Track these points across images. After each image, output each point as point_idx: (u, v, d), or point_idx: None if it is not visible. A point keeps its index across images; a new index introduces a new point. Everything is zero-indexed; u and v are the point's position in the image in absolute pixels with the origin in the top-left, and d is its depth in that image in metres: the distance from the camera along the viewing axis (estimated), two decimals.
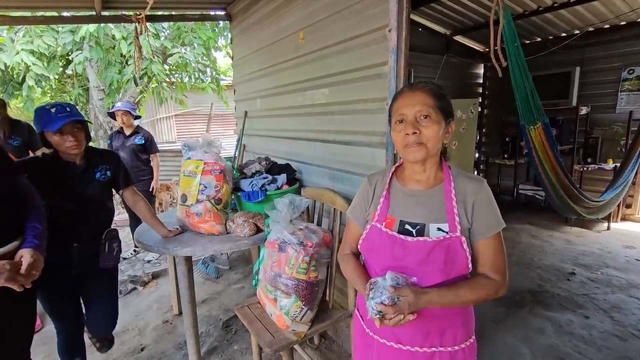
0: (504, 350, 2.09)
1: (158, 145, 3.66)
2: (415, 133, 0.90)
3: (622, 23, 4.08)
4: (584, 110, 4.18)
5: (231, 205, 2.12)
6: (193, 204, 1.87)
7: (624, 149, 4.12)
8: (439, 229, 0.92)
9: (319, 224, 1.93)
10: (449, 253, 0.89)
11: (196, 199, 1.86)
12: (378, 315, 0.83)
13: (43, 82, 5.61)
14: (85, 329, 1.84)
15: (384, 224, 0.98)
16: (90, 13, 3.01)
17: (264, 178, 2.18)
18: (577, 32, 4.30)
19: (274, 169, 2.36)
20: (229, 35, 4.01)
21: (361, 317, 1.10)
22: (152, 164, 3.55)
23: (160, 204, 4.89)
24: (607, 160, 4.26)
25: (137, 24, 3.09)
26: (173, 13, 3.65)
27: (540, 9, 3.75)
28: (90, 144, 1.69)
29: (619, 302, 2.56)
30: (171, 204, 5.00)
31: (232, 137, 5.76)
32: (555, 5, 3.64)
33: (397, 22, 1.57)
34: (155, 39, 5.38)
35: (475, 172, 5.40)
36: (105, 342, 1.92)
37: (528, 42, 4.83)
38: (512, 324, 2.33)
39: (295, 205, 1.55)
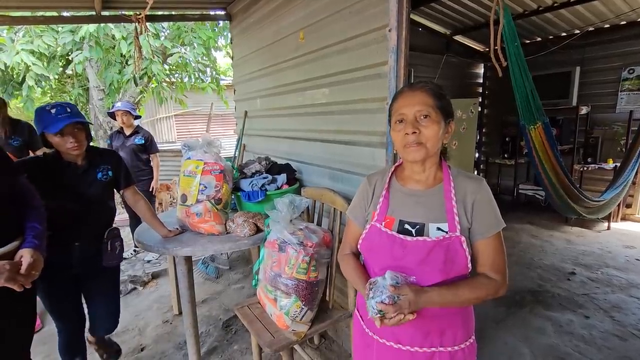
0: (504, 350, 2.09)
1: (158, 145, 3.66)
2: (414, 133, 0.90)
3: (623, 23, 4.07)
4: (584, 110, 4.18)
5: (231, 205, 2.12)
6: (193, 204, 1.87)
7: (624, 149, 4.12)
8: (439, 229, 0.91)
9: (319, 224, 1.93)
10: (448, 253, 0.89)
11: (196, 199, 1.86)
12: (378, 315, 0.83)
13: (43, 82, 5.62)
14: (89, 332, 1.85)
15: (383, 223, 0.98)
16: (90, 13, 3.01)
17: (264, 178, 2.18)
18: (577, 31, 4.30)
19: (274, 168, 2.36)
20: (229, 35, 4.01)
21: (361, 317, 1.10)
22: (152, 164, 3.55)
23: (160, 204, 4.89)
24: (607, 160, 4.26)
25: (137, 23, 3.09)
26: (173, 13, 3.65)
27: (541, 8, 3.74)
28: (91, 143, 1.69)
29: (619, 301, 2.56)
30: (171, 204, 5.01)
31: (232, 137, 5.76)
32: (556, 5, 3.64)
33: (397, 22, 1.57)
34: (155, 38, 5.39)
35: (476, 172, 5.40)
36: (113, 353, 1.94)
37: (528, 41, 4.82)
38: (512, 324, 2.33)
39: (295, 205, 1.55)
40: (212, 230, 1.87)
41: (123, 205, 3.49)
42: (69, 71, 5.83)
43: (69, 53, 5.16)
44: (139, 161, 3.43)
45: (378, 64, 1.74)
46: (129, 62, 5.42)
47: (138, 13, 3.05)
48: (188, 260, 1.84)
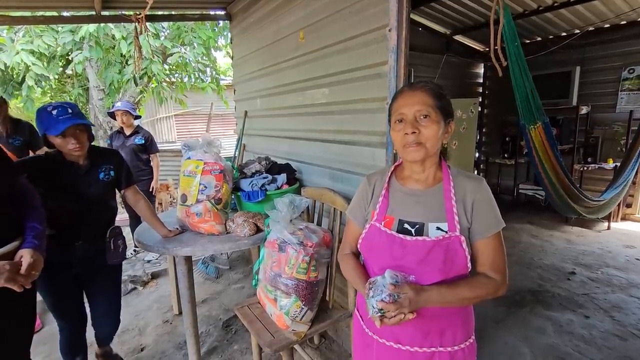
0: (504, 349, 2.09)
1: (158, 145, 3.66)
2: (414, 133, 0.90)
3: (623, 22, 4.07)
4: (584, 110, 4.17)
5: (231, 205, 2.12)
6: (193, 203, 1.87)
7: (624, 149, 4.12)
8: (438, 229, 0.91)
9: (319, 223, 1.93)
10: (448, 252, 0.89)
11: (196, 199, 1.86)
12: (379, 314, 0.83)
13: (43, 82, 5.62)
14: (95, 340, 1.87)
15: (382, 223, 0.98)
16: (90, 13, 3.01)
17: (264, 178, 2.18)
18: (578, 31, 4.30)
19: (274, 168, 2.35)
20: (229, 34, 4.01)
21: (361, 317, 1.10)
22: (152, 164, 3.55)
23: (160, 203, 4.89)
24: (607, 159, 4.25)
25: (136, 23, 3.09)
26: (173, 13, 3.65)
27: (541, 8, 3.74)
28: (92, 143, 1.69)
29: (619, 301, 2.56)
30: (171, 204, 5.01)
31: (232, 137, 5.76)
32: (556, 4, 3.63)
33: (397, 22, 1.57)
34: (155, 38, 5.39)
35: (476, 172, 5.40)
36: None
37: (528, 41, 4.82)
38: (513, 324, 2.33)
39: (295, 205, 1.55)
40: (212, 230, 1.87)
41: (123, 205, 3.50)
42: (69, 71, 5.83)
43: (69, 53, 5.16)
44: (139, 161, 3.43)
45: (378, 63, 1.74)
46: (129, 62, 5.43)
47: (138, 13, 3.05)
48: (188, 260, 1.85)
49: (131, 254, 3.74)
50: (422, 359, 0.96)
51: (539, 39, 4.77)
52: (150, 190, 3.52)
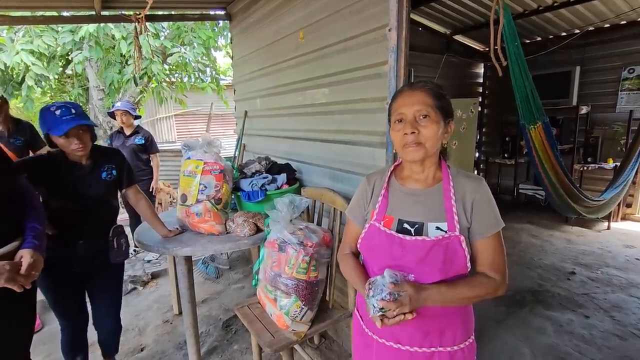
0: (504, 349, 2.09)
1: (158, 145, 3.66)
2: (414, 133, 0.90)
3: (623, 22, 4.07)
4: (584, 110, 4.17)
5: (231, 205, 2.12)
6: (193, 203, 1.87)
7: (624, 149, 4.12)
8: (438, 228, 0.91)
9: (319, 223, 1.93)
10: (447, 252, 0.89)
11: (196, 199, 1.86)
12: (379, 313, 0.83)
13: (43, 82, 5.62)
14: (99, 348, 1.87)
15: (382, 222, 0.98)
16: (90, 13, 3.01)
17: (264, 178, 2.18)
18: (578, 31, 4.30)
19: (273, 168, 2.35)
20: (229, 34, 4.01)
21: (361, 317, 1.10)
22: (152, 164, 3.55)
23: (160, 203, 4.89)
24: (607, 159, 4.25)
25: (136, 23, 3.09)
26: (173, 13, 3.65)
27: (541, 8, 3.74)
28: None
29: (619, 301, 2.56)
30: (171, 204, 5.01)
31: (232, 137, 5.77)
32: (556, 4, 3.63)
33: (397, 22, 1.57)
34: (155, 38, 5.39)
35: (475, 172, 5.40)
36: None
37: (528, 41, 4.82)
38: (513, 324, 2.33)
39: (295, 205, 1.55)
40: (212, 230, 1.87)
41: (123, 205, 3.50)
42: (68, 71, 5.83)
43: (69, 53, 5.16)
44: (139, 161, 3.43)
45: (378, 63, 1.74)
46: (128, 62, 5.43)
47: (138, 13, 3.05)
48: (188, 260, 1.85)
49: (131, 253, 3.74)
50: (422, 359, 0.96)
51: (539, 39, 4.77)
52: (150, 190, 3.52)
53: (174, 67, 6.12)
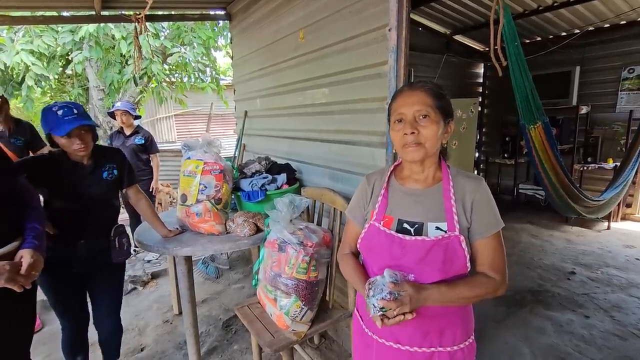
0: (504, 349, 2.09)
1: (158, 145, 3.66)
2: (413, 133, 0.90)
3: (622, 22, 4.07)
4: (584, 110, 4.17)
5: (231, 205, 2.12)
6: (193, 203, 1.87)
7: (624, 149, 4.12)
8: (438, 228, 0.91)
9: (319, 223, 1.93)
10: (447, 252, 0.89)
11: (196, 199, 1.86)
12: (380, 313, 0.83)
13: (43, 82, 5.62)
14: (100, 348, 1.87)
15: (382, 222, 0.98)
16: (90, 13, 3.01)
17: (264, 178, 2.18)
18: (577, 31, 4.30)
19: (273, 168, 2.36)
20: (229, 34, 4.01)
21: (360, 317, 1.10)
22: (152, 164, 3.55)
23: (160, 203, 4.89)
24: (607, 159, 4.25)
25: (136, 23, 3.09)
26: (173, 13, 3.65)
27: (541, 8, 3.74)
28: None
29: (619, 301, 2.56)
30: (171, 204, 5.01)
31: (232, 137, 5.77)
32: (556, 4, 3.63)
33: (397, 22, 1.57)
34: (155, 38, 5.39)
35: (475, 172, 5.40)
36: None
37: (528, 41, 4.82)
38: (513, 324, 2.33)
39: (295, 205, 1.55)
40: (212, 230, 1.87)
41: (123, 205, 3.50)
42: (68, 71, 5.83)
43: (69, 53, 5.16)
44: (139, 161, 3.43)
45: (378, 63, 1.74)
46: (128, 62, 5.43)
47: (138, 13, 3.05)
48: (188, 260, 1.85)
49: (131, 253, 3.74)
50: (422, 359, 0.96)
51: (539, 39, 4.77)
52: (150, 190, 3.52)
53: (174, 67, 6.12)
